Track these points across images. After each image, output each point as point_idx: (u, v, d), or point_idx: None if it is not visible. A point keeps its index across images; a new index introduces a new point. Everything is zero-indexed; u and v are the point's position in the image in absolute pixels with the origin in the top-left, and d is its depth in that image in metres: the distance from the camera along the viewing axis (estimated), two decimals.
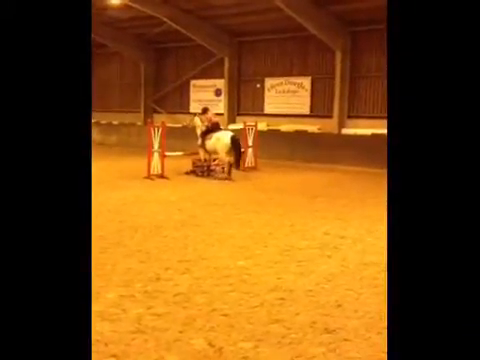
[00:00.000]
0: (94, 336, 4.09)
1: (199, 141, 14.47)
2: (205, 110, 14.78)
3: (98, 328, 4.27)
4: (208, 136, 14.20)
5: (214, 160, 15.29)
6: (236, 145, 13.93)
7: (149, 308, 4.76)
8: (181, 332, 4.24)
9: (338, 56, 19.17)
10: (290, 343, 4.10)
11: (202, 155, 14.45)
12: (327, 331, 4.32)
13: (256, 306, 4.86)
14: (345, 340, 4.16)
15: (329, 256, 6.66)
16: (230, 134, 14.12)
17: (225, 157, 13.99)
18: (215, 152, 14.22)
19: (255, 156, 16.25)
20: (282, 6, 17.15)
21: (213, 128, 14.34)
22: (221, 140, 13.92)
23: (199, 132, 14.51)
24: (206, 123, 14.53)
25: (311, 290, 5.33)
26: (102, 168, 15.36)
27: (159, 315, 4.60)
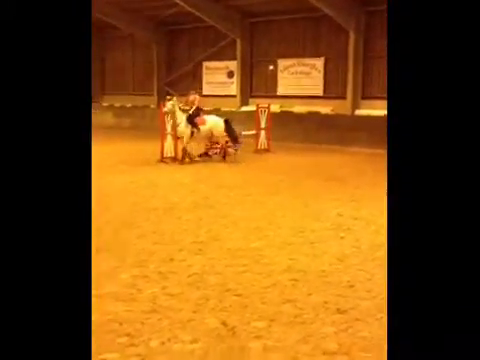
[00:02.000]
0: (108, 316, 4.16)
1: (184, 125, 13.82)
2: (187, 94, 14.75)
3: (112, 308, 4.33)
4: (199, 120, 14.03)
5: (227, 141, 15.32)
6: (230, 128, 14.29)
7: (163, 288, 4.81)
8: (195, 312, 4.29)
9: (351, 36, 18.96)
10: (302, 323, 4.13)
11: (186, 140, 13.83)
12: (339, 311, 4.34)
13: (269, 286, 4.89)
14: (357, 320, 4.18)
15: (342, 237, 6.66)
16: (221, 119, 14.43)
17: (222, 140, 14.25)
18: (211, 136, 14.29)
19: (268, 138, 16.20)
20: None
21: (198, 112, 14.24)
22: (218, 124, 14.15)
23: (184, 116, 13.92)
24: (189, 106, 14.31)
25: (324, 271, 5.35)
26: (116, 151, 15.43)
27: (173, 295, 4.65)
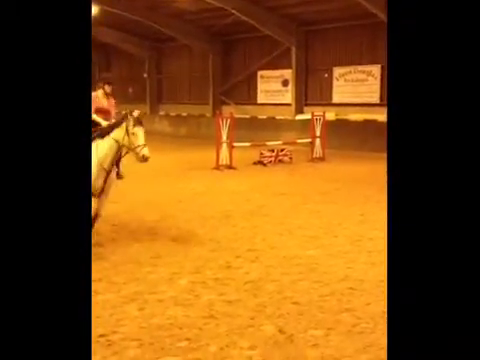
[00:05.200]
0: (168, 320, 4.25)
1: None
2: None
3: (172, 312, 4.41)
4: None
5: (282, 150, 15.35)
6: None
7: (220, 295, 4.86)
8: (252, 318, 4.31)
9: None
10: (361, 332, 4.09)
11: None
12: None
13: (326, 295, 4.87)
14: None
15: None
16: None
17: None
18: None
19: (323, 147, 16.09)
20: None
21: None
22: None
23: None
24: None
25: (382, 280, 5.26)
26: (172, 160, 15.70)
27: (230, 302, 4.69)
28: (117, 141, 6.21)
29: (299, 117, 21.48)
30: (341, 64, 21.04)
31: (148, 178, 11.46)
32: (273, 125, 21.32)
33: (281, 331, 4.09)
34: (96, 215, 6.31)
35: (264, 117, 22.27)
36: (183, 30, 24.57)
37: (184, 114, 26.51)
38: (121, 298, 4.73)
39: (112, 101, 6.83)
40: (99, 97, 6.65)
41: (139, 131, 6.15)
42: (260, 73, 24.06)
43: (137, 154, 6.16)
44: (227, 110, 21.43)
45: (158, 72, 28.84)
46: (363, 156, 16.80)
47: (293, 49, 22.14)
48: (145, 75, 28.69)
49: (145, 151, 6.13)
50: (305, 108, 22.01)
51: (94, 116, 6.46)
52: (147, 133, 6.27)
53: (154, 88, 28.92)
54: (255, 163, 14.73)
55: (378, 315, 4.38)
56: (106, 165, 6.23)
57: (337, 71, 21.26)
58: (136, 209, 8.57)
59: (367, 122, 19.18)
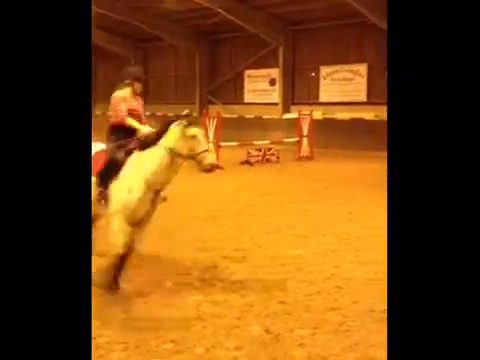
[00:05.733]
0: (154, 323, 4.19)
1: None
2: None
3: (158, 314, 4.36)
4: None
5: (269, 149, 15.33)
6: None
7: (207, 295, 4.82)
8: (238, 319, 4.28)
9: None
10: (347, 331, 4.06)
11: None
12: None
13: (313, 294, 4.84)
14: None
15: None
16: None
17: None
18: None
19: (310, 145, 16.11)
20: None
21: None
22: None
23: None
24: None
25: (370, 279, 5.26)
26: None
27: (217, 302, 4.65)
28: (172, 150, 4.74)
29: (286, 116, 21.48)
30: (328, 63, 21.09)
31: None
32: (260, 124, 21.29)
33: (268, 331, 4.05)
34: (130, 249, 4.83)
35: (251, 116, 22.25)
36: (169, 30, 24.51)
37: (171, 114, 26.38)
38: (106, 300, 4.67)
39: (141, 102, 5.38)
40: (128, 97, 5.17)
41: (198, 133, 4.78)
42: (247, 72, 24.05)
43: (201, 162, 4.79)
44: (214, 110, 21.38)
45: (144, 72, 28.68)
46: (350, 154, 16.85)
47: (280, 48, 22.15)
48: None
49: (211, 158, 4.86)
50: (292, 107, 22.05)
51: (129, 120, 5.06)
52: None
53: None
54: (242, 163, 14.71)
55: (365, 313, 4.37)
56: (158, 183, 4.75)
57: (324, 70, 21.31)
58: None
59: (354, 121, 19.24)
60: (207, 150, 4.80)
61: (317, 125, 16.81)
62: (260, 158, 14.97)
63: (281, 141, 16.68)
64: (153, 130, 4.97)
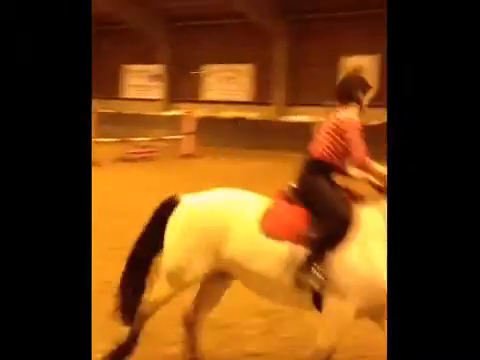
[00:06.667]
0: None
1: None
2: None
3: None
4: None
5: (149, 146, 14.94)
6: None
7: None
8: None
9: (279, 43, 18.91)
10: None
11: None
12: None
13: None
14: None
15: None
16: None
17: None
18: None
19: (194, 143, 15.85)
20: None
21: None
22: None
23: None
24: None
25: None
26: None
27: None
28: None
29: (168, 113, 20.95)
30: (213, 62, 20.89)
31: None
32: (141, 121, 20.49)
33: None
34: None
35: (131, 112, 21.35)
36: None
37: None
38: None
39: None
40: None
41: None
42: (128, 67, 23.21)
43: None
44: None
45: None
46: (234, 153, 16.68)
47: (163, 44, 21.64)
48: None
49: None
50: (175, 104, 21.54)
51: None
52: None
53: None
54: (122, 160, 14.03)
55: None
56: None
57: (208, 68, 21.10)
58: None
59: (237, 120, 19.21)
60: None
61: (201, 123, 16.56)
62: (140, 155, 14.49)
63: (162, 138, 16.21)
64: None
